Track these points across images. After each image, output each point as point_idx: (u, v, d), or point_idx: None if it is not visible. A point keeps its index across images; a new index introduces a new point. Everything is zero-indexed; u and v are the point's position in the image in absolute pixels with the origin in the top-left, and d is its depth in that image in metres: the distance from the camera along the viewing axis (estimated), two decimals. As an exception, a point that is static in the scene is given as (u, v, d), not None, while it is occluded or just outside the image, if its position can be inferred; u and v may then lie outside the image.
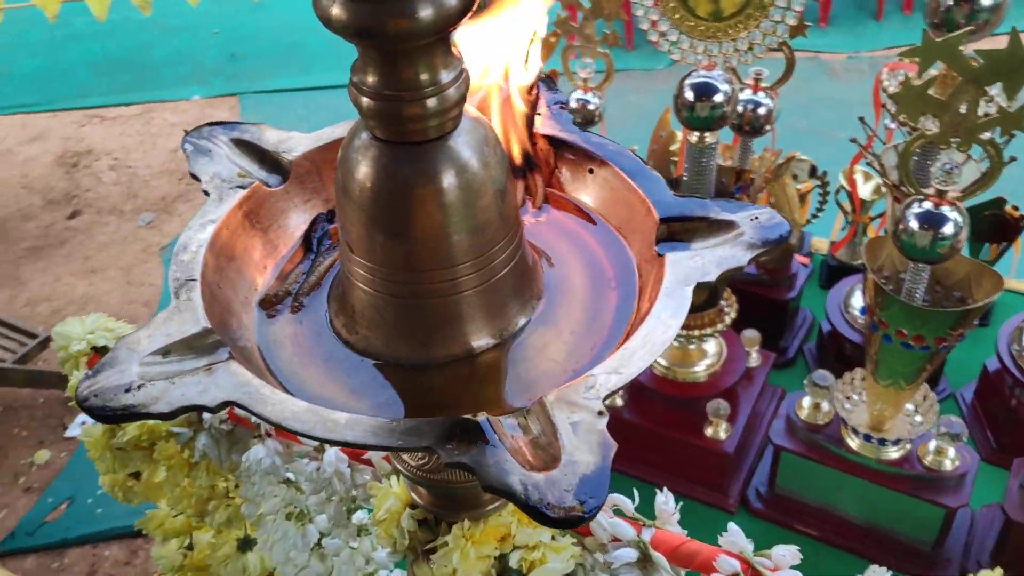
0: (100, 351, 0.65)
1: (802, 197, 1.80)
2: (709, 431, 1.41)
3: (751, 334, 1.48)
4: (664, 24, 1.16)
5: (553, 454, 0.30)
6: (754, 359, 1.50)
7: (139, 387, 0.32)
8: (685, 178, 1.26)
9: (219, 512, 0.68)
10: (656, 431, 1.44)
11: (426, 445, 0.30)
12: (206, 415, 0.59)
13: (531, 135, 0.48)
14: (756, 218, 0.45)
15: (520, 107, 0.46)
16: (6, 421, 2.92)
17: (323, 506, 0.63)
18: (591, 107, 1.65)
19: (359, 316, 0.37)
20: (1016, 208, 1.60)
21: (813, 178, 1.74)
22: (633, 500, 0.56)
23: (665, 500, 0.51)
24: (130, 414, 0.32)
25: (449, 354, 0.37)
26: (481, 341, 0.37)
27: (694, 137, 1.21)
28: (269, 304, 0.41)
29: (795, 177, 1.80)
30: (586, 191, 0.51)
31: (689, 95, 1.18)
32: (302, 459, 0.58)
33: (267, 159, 0.45)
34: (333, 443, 0.32)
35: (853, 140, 1.38)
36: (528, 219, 0.48)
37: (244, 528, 0.71)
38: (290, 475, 0.63)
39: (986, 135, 1.02)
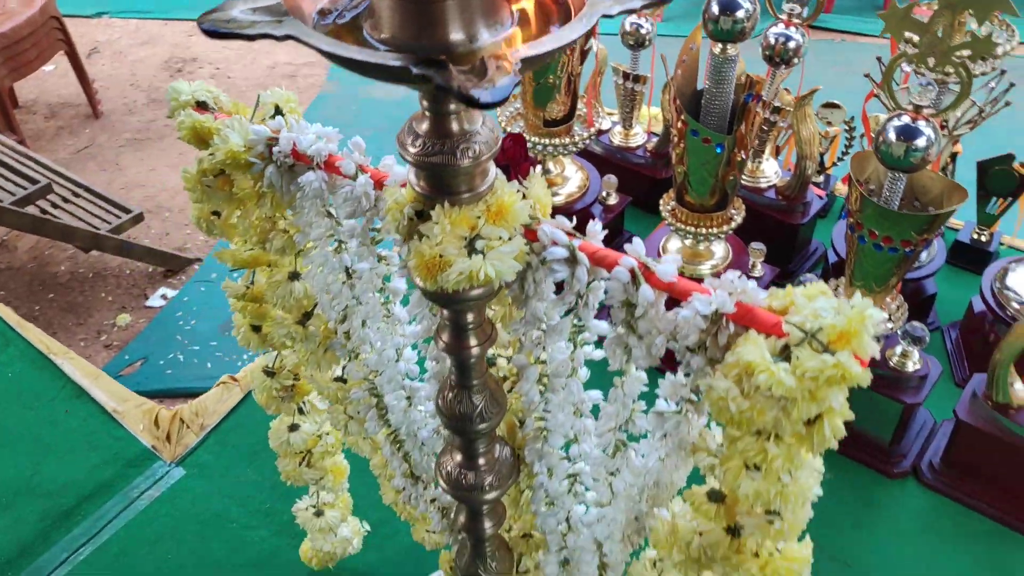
0: (202, 105, 0.87)
1: (831, 141, 1.95)
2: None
3: (758, 246, 1.64)
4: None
5: (483, 81, 0.49)
6: (758, 270, 1.66)
7: (236, 21, 0.52)
8: (707, 85, 1.43)
9: (276, 240, 0.89)
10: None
11: (405, 66, 0.50)
12: (276, 150, 0.80)
13: None
14: None
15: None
16: (95, 286, 3.24)
17: (353, 230, 0.84)
18: (643, 31, 1.82)
19: (382, 19, 0.56)
20: (1023, 165, 1.72)
21: (843, 123, 1.88)
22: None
23: (593, 226, 0.70)
24: (230, 33, 0.52)
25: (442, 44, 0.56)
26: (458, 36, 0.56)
27: (717, 48, 1.38)
28: (324, 14, 0.60)
29: (828, 123, 1.94)
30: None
31: (715, 9, 1.35)
32: (342, 187, 0.78)
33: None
34: (348, 64, 0.51)
35: (867, 75, 1.53)
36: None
37: (295, 263, 0.93)
38: (332, 209, 0.84)
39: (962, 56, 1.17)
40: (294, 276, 0.92)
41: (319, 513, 1.26)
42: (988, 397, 1.38)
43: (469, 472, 0.88)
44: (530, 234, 0.68)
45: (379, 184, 0.76)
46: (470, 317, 0.76)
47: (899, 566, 1.38)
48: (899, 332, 1.41)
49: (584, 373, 0.80)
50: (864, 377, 0.58)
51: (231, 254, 0.92)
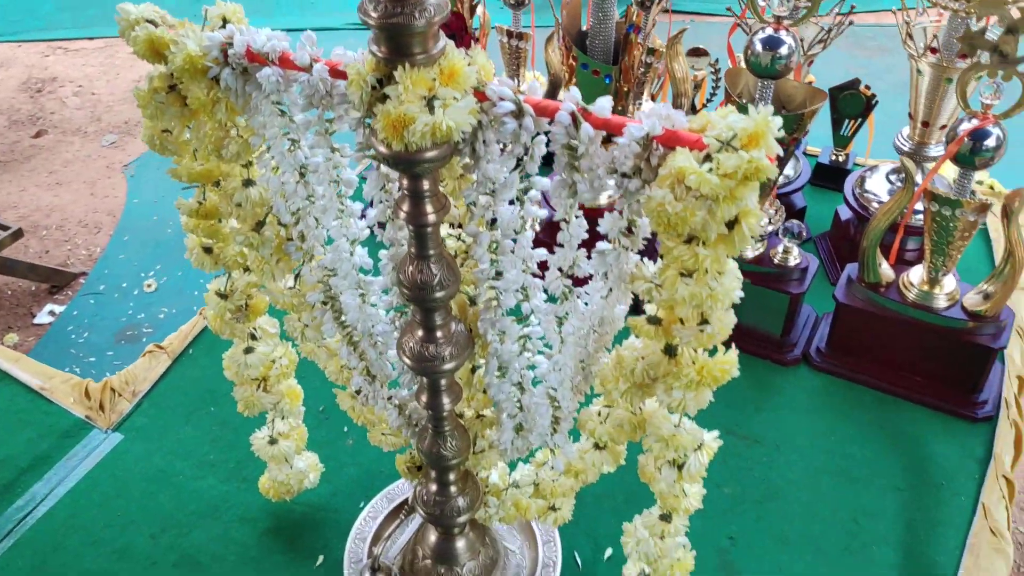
0: (149, 23, 0.93)
1: (699, 85, 2.13)
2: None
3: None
4: None
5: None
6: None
7: None
8: (591, 24, 1.56)
9: (231, 145, 0.96)
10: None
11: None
12: (231, 53, 0.87)
13: None
14: None
15: None
16: (-23, 307, 3.11)
17: (308, 123, 0.91)
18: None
19: None
20: (868, 88, 1.94)
21: (708, 66, 2.07)
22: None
23: (533, 83, 0.80)
24: None
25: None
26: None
27: (597, -13, 1.52)
28: None
29: (696, 69, 2.12)
30: None
31: (592, -50, 1.49)
32: (299, 79, 0.86)
33: None
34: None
35: (728, 9, 1.70)
36: None
37: (249, 172, 0.99)
38: (285, 108, 0.91)
39: None
40: (248, 183, 0.98)
41: (273, 441, 1.32)
42: (861, 279, 1.57)
43: (430, 344, 0.97)
44: (479, 95, 0.78)
45: (333, 72, 0.84)
46: (426, 185, 0.85)
47: (799, 437, 1.55)
48: (779, 230, 1.58)
49: (530, 234, 0.90)
50: (772, 169, 0.70)
51: (185, 169, 0.98)
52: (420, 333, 0.97)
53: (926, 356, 1.56)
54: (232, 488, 1.45)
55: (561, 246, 0.88)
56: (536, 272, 0.93)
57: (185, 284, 3.10)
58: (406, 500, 1.35)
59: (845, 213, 1.87)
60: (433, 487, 1.16)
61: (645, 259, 0.86)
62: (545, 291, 0.93)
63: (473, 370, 1.10)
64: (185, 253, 1.08)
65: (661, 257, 0.79)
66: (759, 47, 1.39)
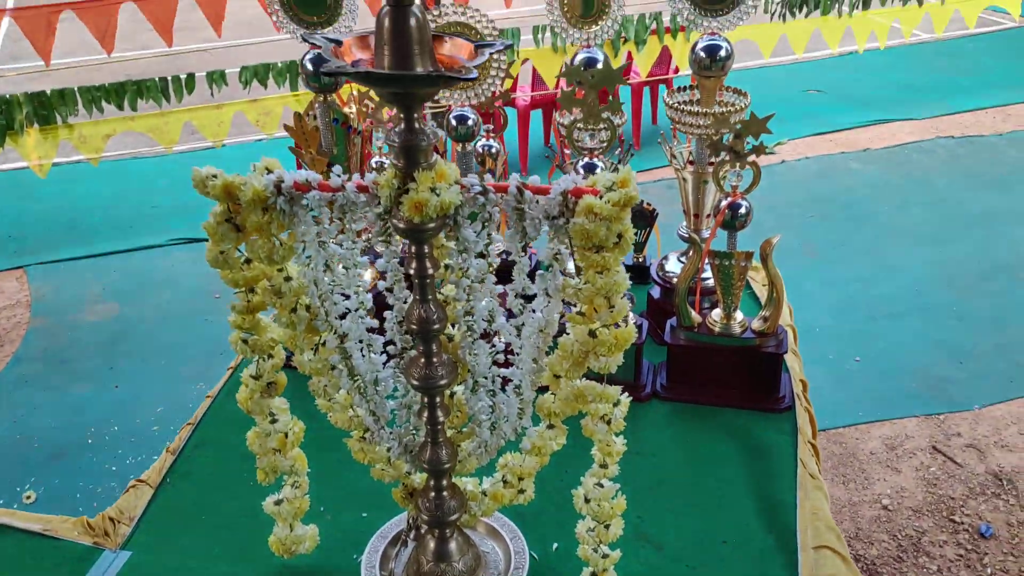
0: (213, 176, 1.37)
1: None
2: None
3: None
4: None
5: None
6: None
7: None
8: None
9: (280, 251, 1.39)
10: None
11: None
12: (283, 186, 1.33)
13: None
14: None
15: None
16: None
17: (339, 225, 1.37)
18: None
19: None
20: (649, 204, 2.63)
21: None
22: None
23: (512, 179, 1.33)
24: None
25: None
26: None
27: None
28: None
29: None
30: None
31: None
32: (335, 197, 1.32)
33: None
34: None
35: (548, 156, 2.34)
36: None
37: (286, 270, 1.43)
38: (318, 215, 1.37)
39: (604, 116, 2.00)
40: (288, 278, 1.42)
41: (279, 502, 1.66)
42: (680, 324, 2.17)
43: (428, 369, 1.42)
44: (460, 184, 1.30)
45: (360, 188, 1.33)
46: (426, 248, 1.34)
47: (664, 445, 2.07)
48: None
49: (492, 282, 1.40)
50: (637, 197, 1.26)
51: (239, 277, 1.40)
52: (423, 361, 1.42)
53: (736, 371, 2.16)
54: (241, 569, 1.74)
55: (512, 280, 1.38)
56: (499, 301, 1.42)
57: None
58: (400, 532, 1.71)
59: (656, 292, 2.50)
60: (432, 494, 1.55)
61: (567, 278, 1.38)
62: (505, 311, 1.42)
63: (451, 395, 1.55)
64: (229, 343, 1.47)
65: (578, 276, 1.32)
66: (581, 171, 2.02)
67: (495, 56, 2.08)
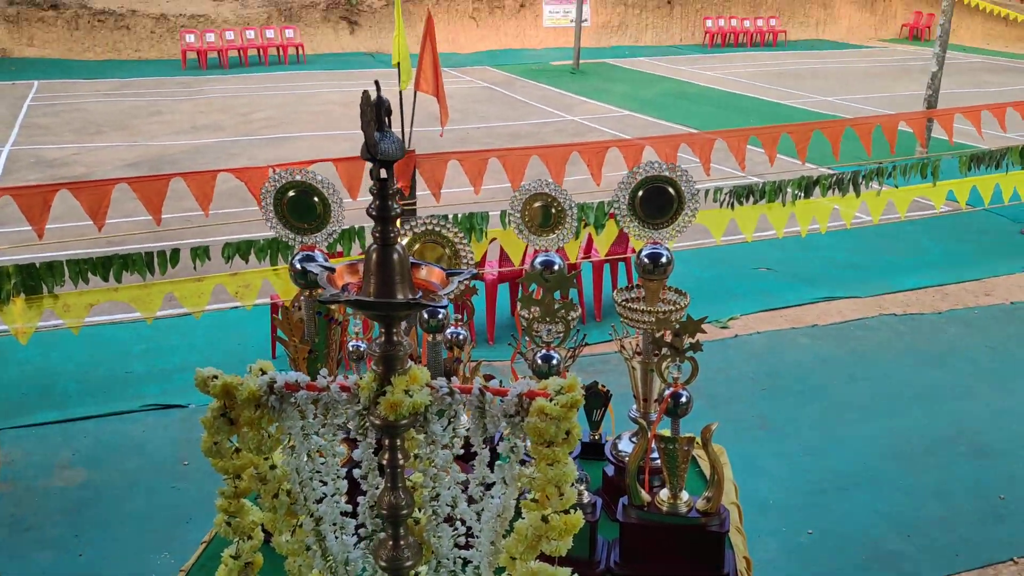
0: (214, 378, 1.56)
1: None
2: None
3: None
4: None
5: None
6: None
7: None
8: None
9: (268, 443, 1.57)
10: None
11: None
12: (275, 386, 1.52)
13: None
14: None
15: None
16: None
17: (321, 419, 1.55)
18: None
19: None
20: (604, 386, 2.85)
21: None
22: None
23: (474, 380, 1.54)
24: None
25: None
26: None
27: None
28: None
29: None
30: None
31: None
32: (320, 396, 1.52)
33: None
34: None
35: (510, 344, 2.57)
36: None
37: (271, 459, 1.60)
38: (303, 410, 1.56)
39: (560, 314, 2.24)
40: (273, 466, 1.59)
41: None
42: (631, 503, 2.33)
43: (396, 551, 1.57)
44: (430, 386, 1.51)
45: (343, 388, 1.53)
46: (399, 442, 1.53)
47: (619, 622, 2.19)
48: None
49: (456, 471, 1.58)
50: (581, 400, 1.47)
51: (229, 464, 1.57)
52: (391, 543, 1.58)
53: (682, 548, 2.31)
54: None
55: (473, 468, 1.57)
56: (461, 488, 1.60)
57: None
58: None
59: (610, 470, 2.67)
60: (395, 670, 1.67)
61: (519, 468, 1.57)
62: (466, 496, 1.59)
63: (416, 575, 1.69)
64: (215, 525, 1.62)
65: (533, 464, 1.51)
66: (540, 361, 2.24)
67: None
